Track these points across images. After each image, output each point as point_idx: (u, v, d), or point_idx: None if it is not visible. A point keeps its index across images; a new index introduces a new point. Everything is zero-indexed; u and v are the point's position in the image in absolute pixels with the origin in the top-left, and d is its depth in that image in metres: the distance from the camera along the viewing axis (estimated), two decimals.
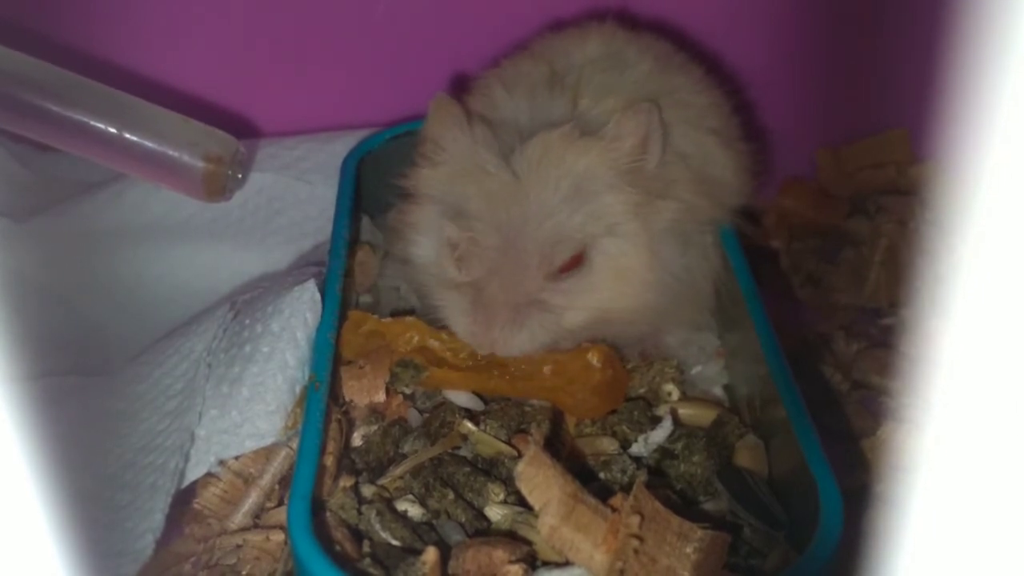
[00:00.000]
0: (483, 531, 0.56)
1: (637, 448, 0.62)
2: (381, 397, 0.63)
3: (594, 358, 0.63)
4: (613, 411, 0.64)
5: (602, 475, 0.59)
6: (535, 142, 0.61)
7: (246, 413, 0.63)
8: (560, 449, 0.60)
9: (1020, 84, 0.21)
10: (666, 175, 0.63)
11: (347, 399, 0.63)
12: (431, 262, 0.65)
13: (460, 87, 0.72)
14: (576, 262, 0.61)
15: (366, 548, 0.54)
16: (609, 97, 0.65)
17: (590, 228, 0.61)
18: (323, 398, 0.60)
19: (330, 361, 0.62)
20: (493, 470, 0.59)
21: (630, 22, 0.76)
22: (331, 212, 0.74)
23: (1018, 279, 0.22)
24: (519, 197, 0.60)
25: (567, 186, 0.60)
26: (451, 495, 0.57)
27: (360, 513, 0.56)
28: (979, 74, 0.22)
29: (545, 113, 0.65)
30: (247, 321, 0.67)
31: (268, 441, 0.63)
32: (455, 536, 0.55)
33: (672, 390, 0.66)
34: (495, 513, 0.56)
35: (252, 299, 0.70)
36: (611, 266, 0.62)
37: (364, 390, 0.63)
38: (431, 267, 0.65)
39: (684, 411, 0.65)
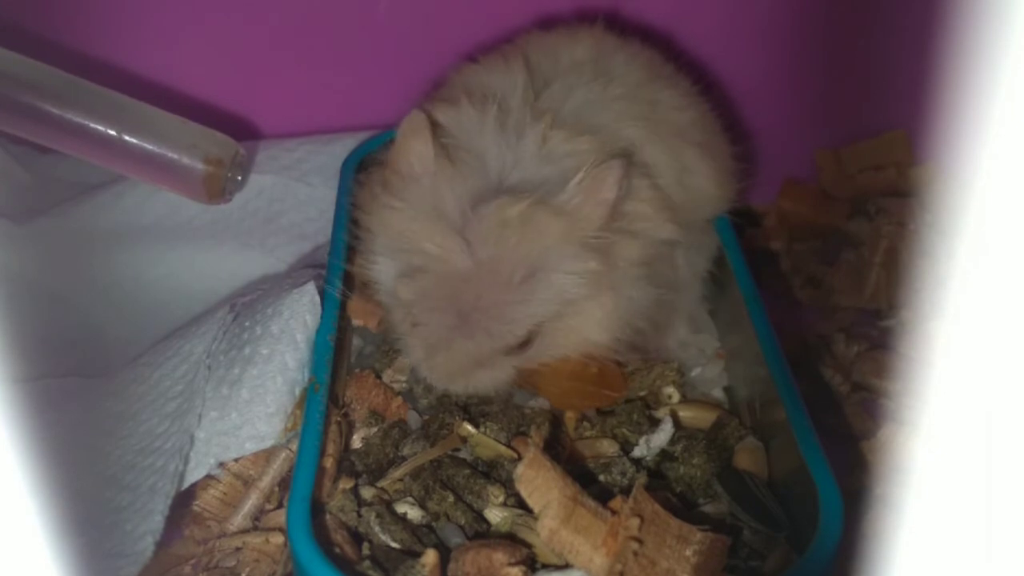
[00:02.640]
0: (483, 533, 0.56)
1: (639, 451, 0.62)
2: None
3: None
4: (611, 413, 0.64)
5: (602, 477, 0.59)
6: (491, 218, 0.56)
7: (246, 415, 0.63)
8: (560, 452, 0.60)
9: (1018, 85, 0.21)
10: (630, 222, 0.60)
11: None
12: (388, 294, 0.63)
13: None
14: (529, 338, 0.60)
15: (365, 550, 0.54)
16: (583, 135, 0.61)
17: (544, 311, 0.59)
18: (323, 400, 0.60)
19: (329, 363, 0.62)
20: (493, 472, 0.59)
21: (622, 25, 0.75)
22: (331, 214, 0.74)
23: (1017, 281, 0.22)
24: (472, 285, 0.57)
25: (522, 273, 0.57)
26: (451, 497, 0.57)
27: (360, 515, 0.56)
28: (977, 75, 0.22)
29: (513, 151, 0.61)
30: (247, 323, 0.67)
31: (268, 443, 0.63)
32: (455, 538, 0.55)
33: (672, 393, 0.66)
34: (495, 515, 0.56)
35: (252, 301, 0.70)
36: (565, 332, 0.61)
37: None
38: (389, 299, 0.64)
39: (684, 413, 0.65)
